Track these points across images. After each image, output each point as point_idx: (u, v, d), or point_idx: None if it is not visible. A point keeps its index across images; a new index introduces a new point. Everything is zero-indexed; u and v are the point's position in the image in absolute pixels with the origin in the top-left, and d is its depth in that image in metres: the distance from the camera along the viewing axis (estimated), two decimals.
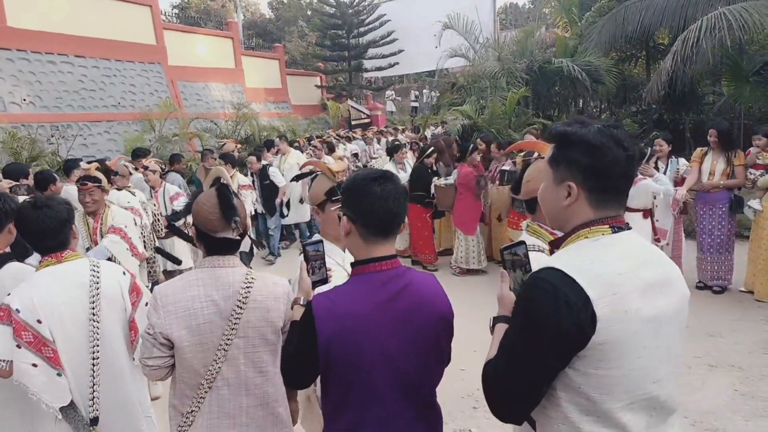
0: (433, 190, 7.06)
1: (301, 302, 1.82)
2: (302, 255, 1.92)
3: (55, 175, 5.42)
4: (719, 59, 10.07)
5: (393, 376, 1.55)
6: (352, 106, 21.32)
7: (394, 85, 27.98)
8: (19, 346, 2.07)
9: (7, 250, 2.48)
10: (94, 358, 2.21)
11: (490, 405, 1.35)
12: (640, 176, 5.08)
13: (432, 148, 7.29)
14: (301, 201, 8.63)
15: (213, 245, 1.97)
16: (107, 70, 13.05)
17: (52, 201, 2.28)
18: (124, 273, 2.42)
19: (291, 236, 9.27)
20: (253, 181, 8.07)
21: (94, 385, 2.21)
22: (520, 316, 1.31)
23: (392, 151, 8.13)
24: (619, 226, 1.34)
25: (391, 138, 14.58)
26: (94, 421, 2.21)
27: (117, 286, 2.34)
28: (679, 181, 5.95)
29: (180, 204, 5.65)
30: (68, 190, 5.82)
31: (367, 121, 20.90)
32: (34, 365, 2.08)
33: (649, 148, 5.38)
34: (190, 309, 1.88)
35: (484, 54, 12.84)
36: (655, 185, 5.14)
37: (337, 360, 1.54)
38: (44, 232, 2.20)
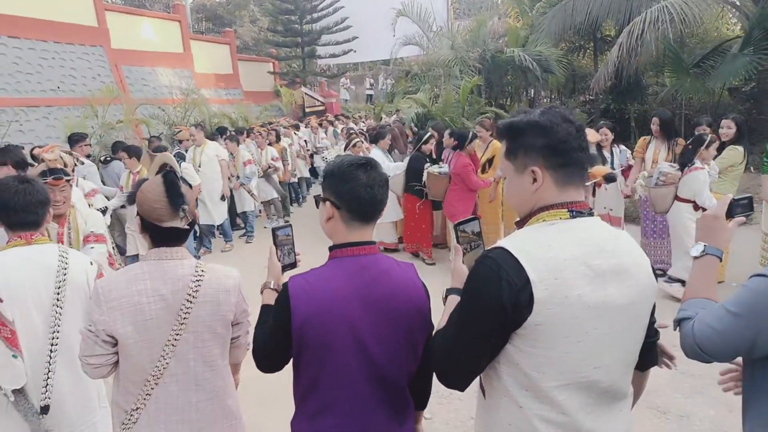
0: (425, 178, 6.70)
1: (271, 286, 1.80)
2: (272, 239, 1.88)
3: None
4: (662, 51, 10.46)
5: (364, 361, 1.56)
6: (306, 94, 21.03)
7: (349, 72, 27.76)
8: None
9: None
10: (52, 344, 2.15)
11: (436, 371, 1.43)
12: (697, 164, 4.89)
13: (429, 134, 6.97)
14: (223, 198, 7.79)
15: (159, 236, 1.88)
16: (45, 52, 12.33)
17: (34, 179, 2.30)
18: (91, 263, 2.37)
19: (207, 241, 7.98)
20: None
21: (49, 372, 2.14)
22: (465, 292, 1.37)
23: (377, 137, 7.68)
24: (579, 211, 1.36)
25: (356, 124, 14.24)
26: (45, 409, 2.12)
27: (84, 274, 2.28)
28: (625, 169, 6.16)
29: (96, 202, 4.83)
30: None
31: (321, 108, 20.69)
32: None
33: (709, 135, 5.05)
34: (136, 304, 1.79)
35: (437, 42, 12.88)
36: (706, 182, 4.88)
37: (311, 341, 1.54)
38: (27, 205, 2.18)
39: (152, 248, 1.90)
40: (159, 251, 1.88)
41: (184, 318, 1.84)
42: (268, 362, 1.66)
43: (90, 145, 6.82)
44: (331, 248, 1.64)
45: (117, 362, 1.88)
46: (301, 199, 11.51)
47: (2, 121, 9.84)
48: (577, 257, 1.28)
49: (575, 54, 13.87)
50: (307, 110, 20.20)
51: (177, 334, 1.83)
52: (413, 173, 6.84)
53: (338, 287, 1.55)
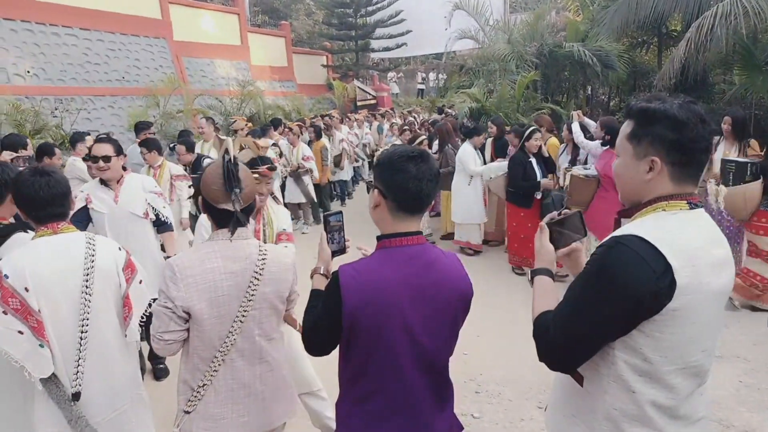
0: (565, 181, 5.86)
1: (321, 271, 1.85)
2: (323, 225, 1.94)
3: (55, 148, 5.34)
4: (732, 48, 9.91)
5: (411, 347, 1.61)
6: (358, 87, 21.12)
7: (400, 66, 27.70)
8: (5, 313, 2.00)
9: (12, 220, 2.45)
10: (82, 332, 2.14)
11: (543, 353, 1.43)
12: None
13: (533, 128, 6.20)
14: None
15: (217, 216, 1.96)
16: (112, 43, 12.90)
17: (53, 169, 2.26)
18: (119, 249, 2.36)
19: None
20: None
21: (79, 359, 2.14)
22: (596, 276, 1.34)
23: (472, 133, 7.02)
24: (696, 203, 1.40)
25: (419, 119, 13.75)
26: (76, 396, 2.13)
27: (112, 261, 2.27)
28: None
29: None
30: (74, 164, 5.75)
31: (373, 102, 20.72)
32: (20, 332, 2.02)
33: None
34: (210, 281, 1.88)
35: (493, 36, 12.65)
36: None
37: (361, 328, 1.57)
38: (52, 198, 2.16)
39: (216, 229, 1.98)
40: (225, 232, 1.95)
41: (252, 294, 1.92)
42: (317, 346, 1.70)
43: (154, 133, 7.06)
44: (378, 238, 1.69)
45: (186, 339, 1.96)
46: (345, 197, 11.05)
47: (72, 109, 10.34)
48: (703, 246, 1.34)
49: (638, 50, 13.35)
50: (358, 103, 20.29)
51: (245, 311, 1.92)
52: (515, 176, 6.06)
53: (387, 276, 1.58)
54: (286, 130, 8.77)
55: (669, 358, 1.33)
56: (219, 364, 1.93)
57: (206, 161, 6.03)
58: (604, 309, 1.30)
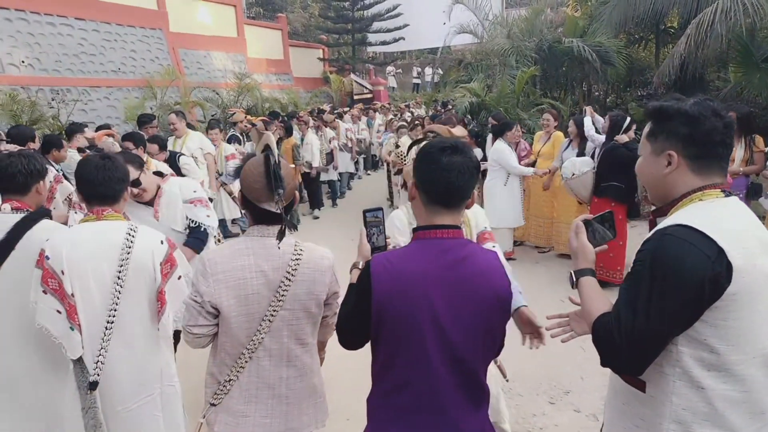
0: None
1: (360, 266, 1.82)
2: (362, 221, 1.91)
3: (63, 141, 5.28)
4: (728, 44, 9.97)
5: (441, 342, 1.55)
6: (355, 81, 21.06)
7: (396, 61, 27.66)
8: (45, 292, 2.08)
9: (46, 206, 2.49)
10: (108, 322, 2.16)
11: (609, 359, 1.40)
12: None
13: (629, 118, 5.60)
14: (211, 199, 6.30)
15: (257, 215, 1.92)
16: (107, 34, 12.76)
17: (115, 156, 2.36)
18: (162, 242, 2.33)
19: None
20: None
21: (101, 349, 2.15)
22: (650, 271, 1.33)
23: (503, 128, 6.37)
24: (729, 191, 1.42)
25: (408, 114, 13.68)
26: (93, 385, 2.13)
27: (149, 254, 2.25)
28: None
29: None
30: (73, 156, 5.66)
31: (369, 96, 20.68)
32: (58, 312, 2.09)
33: None
34: (240, 279, 1.85)
35: (493, 31, 12.64)
36: None
37: (390, 317, 1.55)
38: (105, 179, 2.22)
39: (253, 225, 1.94)
40: (261, 228, 1.92)
41: (282, 295, 1.88)
42: (349, 338, 1.68)
43: (156, 127, 6.85)
44: (414, 229, 1.67)
45: (216, 334, 1.94)
46: (337, 197, 10.44)
47: (68, 100, 10.23)
48: (747, 229, 1.35)
49: (635, 46, 13.38)
50: (355, 97, 20.25)
51: (274, 310, 1.88)
52: (608, 169, 5.33)
53: (419, 267, 1.55)
54: (246, 126, 8.02)
55: (737, 346, 1.30)
56: (246, 361, 1.90)
57: (183, 160, 5.65)
58: (667, 303, 1.28)
